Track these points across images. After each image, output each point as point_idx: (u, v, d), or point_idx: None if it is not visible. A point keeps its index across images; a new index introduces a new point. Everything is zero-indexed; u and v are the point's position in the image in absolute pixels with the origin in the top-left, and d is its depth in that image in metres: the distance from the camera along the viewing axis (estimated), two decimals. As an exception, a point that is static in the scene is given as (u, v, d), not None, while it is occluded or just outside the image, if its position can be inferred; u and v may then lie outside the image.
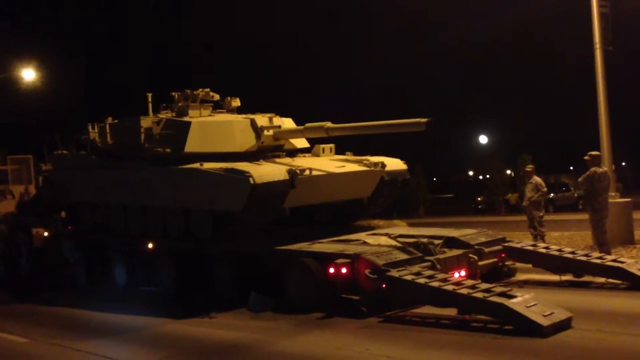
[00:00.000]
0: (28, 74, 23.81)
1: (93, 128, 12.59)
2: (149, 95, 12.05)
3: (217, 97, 12.05)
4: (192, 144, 10.87)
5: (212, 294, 10.37)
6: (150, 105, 12.00)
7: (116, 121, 12.22)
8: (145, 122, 11.38)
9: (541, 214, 13.79)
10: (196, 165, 10.37)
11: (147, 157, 11.35)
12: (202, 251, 10.59)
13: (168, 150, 11.03)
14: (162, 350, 7.78)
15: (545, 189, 14.05)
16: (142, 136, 11.27)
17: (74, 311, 11.06)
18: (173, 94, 11.95)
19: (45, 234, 14.19)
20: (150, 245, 11.37)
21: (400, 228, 12.10)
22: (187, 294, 10.83)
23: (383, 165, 11.21)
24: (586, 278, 9.73)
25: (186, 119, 11.21)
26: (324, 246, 9.59)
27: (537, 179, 14.04)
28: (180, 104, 11.68)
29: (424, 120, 9.39)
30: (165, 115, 11.69)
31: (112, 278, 12.29)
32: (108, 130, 12.17)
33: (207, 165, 10.26)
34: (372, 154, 11.68)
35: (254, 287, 9.75)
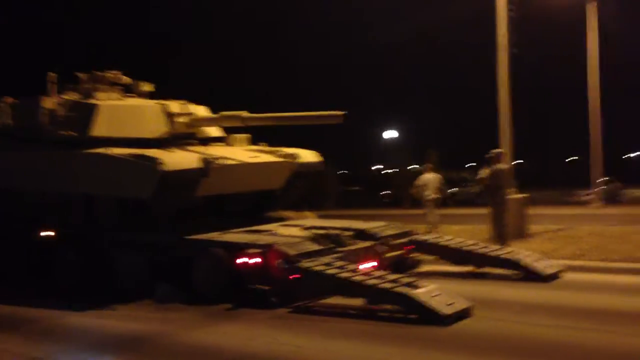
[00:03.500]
0: None
1: (-11, 107, 11.80)
2: (52, 75, 11.48)
3: (127, 80, 11.66)
4: (99, 128, 10.46)
5: (115, 284, 10.02)
6: (53, 85, 11.43)
7: (15, 101, 11.55)
8: (48, 103, 10.82)
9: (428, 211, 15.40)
10: (103, 150, 9.99)
11: (48, 140, 10.80)
12: (105, 240, 10.22)
13: (72, 133, 10.54)
14: (58, 344, 7.45)
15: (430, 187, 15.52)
16: (44, 118, 10.73)
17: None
18: (79, 74, 11.43)
19: None
20: (49, 234, 10.85)
21: (311, 219, 12.22)
22: (88, 284, 10.40)
23: (297, 156, 11.26)
24: (485, 269, 10.26)
25: (92, 101, 10.76)
26: (235, 236, 9.52)
27: (428, 176, 15.44)
28: (87, 86, 11.19)
29: (341, 113, 9.56)
30: (69, 96, 11.16)
31: (7, 267, 11.59)
32: (6, 110, 11.48)
33: (115, 151, 9.91)
34: (286, 146, 11.70)
35: (160, 277, 9.53)
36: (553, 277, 9.62)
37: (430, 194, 15.41)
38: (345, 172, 50.68)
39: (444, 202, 17.20)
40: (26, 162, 11.00)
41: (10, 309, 9.52)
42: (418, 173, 17.11)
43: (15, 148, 11.30)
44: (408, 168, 36.80)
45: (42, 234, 10.82)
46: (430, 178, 15.57)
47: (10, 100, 11.59)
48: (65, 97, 11.14)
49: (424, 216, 15.71)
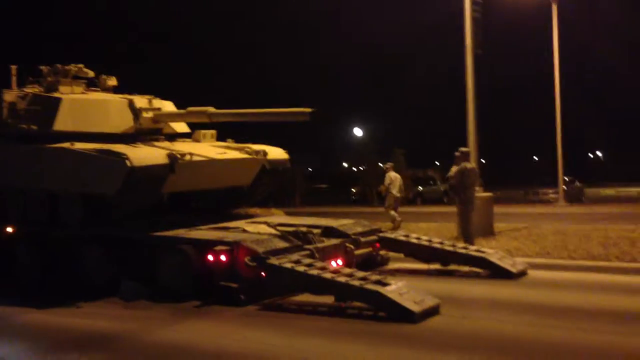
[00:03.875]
0: None
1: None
2: (13, 67, 11.17)
3: (91, 74, 11.41)
4: (62, 122, 10.22)
5: (80, 281, 9.79)
6: (14, 78, 11.13)
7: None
8: (9, 96, 10.54)
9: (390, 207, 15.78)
10: (66, 144, 9.75)
11: (9, 134, 10.51)
12: (70, 236, 9.98)
13: (34, 127, 10.27)
14: (21, 343, 7.23)
15: (396, 186, 15.96)
16: (5, 111, 10.44)
17: None
18: (42, 67, 11.13)
19: None
20: (9, 230, 10.55)
21: (279, 217, 12.17)
22: (51, 282, 10.15)
23: (265, 153, 11.17)
24: (452, 267, 10.35)
25: (56, 94, 10.51)
26: (202, 233, 9.40)
27: (391, 175, 15.76)
28: (49, 79, 10.91)
29: (308, 110, 9.49)
30: (32, 90, 10.87)
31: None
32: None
33: (79, 145, 9.69)
34: (253, 143, 11.60)
35: (127, 274, 9.36)
36: (520, 274, 9.76)
37: (396, 193, 15.69)
38: (313, 169, 50.72)
39: (412, 200, 17.54)
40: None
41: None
42: (385, 171, 17.28)
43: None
44: (375, 166, 36.95)
45: (4, 230, 10.50)
46: (397, 177, 15.91)
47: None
48: (27, 90, 10.86)
49: (387, 214, 15.94)
